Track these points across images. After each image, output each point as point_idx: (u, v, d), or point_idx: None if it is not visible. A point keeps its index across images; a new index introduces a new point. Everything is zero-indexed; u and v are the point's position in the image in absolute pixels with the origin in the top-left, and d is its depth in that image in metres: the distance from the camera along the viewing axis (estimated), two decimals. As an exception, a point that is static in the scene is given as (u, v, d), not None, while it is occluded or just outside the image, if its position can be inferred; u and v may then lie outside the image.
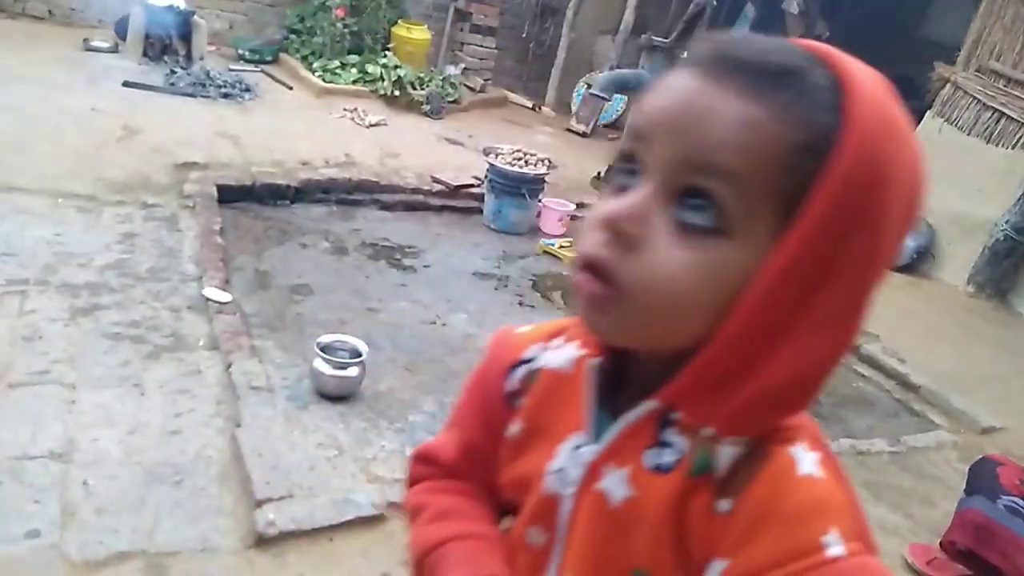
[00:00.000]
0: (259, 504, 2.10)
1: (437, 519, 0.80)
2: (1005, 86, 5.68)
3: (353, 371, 2.81)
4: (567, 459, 0.70)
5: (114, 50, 6.19)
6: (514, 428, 0.77)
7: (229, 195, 4.23)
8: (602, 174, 3.71)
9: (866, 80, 0.57)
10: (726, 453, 0.61)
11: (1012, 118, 5.58)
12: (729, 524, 0.59)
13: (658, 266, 0.57)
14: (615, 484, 0.66)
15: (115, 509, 2.04)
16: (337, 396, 2.79)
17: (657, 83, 0.61)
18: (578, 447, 0.70)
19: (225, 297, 3.11)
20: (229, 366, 2.68)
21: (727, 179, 0.55)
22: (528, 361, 0.78)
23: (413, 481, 0.88)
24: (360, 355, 2.86)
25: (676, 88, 0.59)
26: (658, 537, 0.63)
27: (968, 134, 5.79)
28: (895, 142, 0.57)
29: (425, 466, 0.87)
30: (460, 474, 0.84)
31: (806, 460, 0.60)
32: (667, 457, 0.63)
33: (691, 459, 0.62)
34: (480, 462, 0.82)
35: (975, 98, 5.78)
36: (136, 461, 2.22)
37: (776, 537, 0.57)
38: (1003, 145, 5.63)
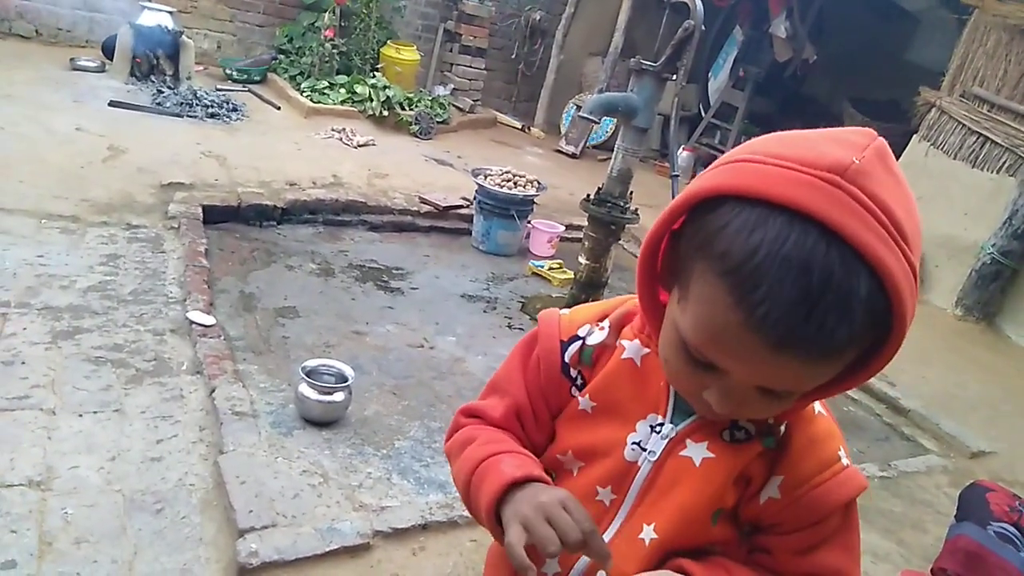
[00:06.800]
0: (241, 533, 2.05)
1: (490, 443, 0.93)
2: (989, 111, 5.73)
3: (339, 396, 2.77)
4: (646, 434, 0.89)
5: (101, 69, 6.16)
6: (584, 404, 0.94)
7: (215, 216, 4.19)
8: (591, 196, 3.70)
9: (898, 274, 0.68)
10: (780, 427, 0.88)
11: (996, 143, 5.63)
12: (777, 453, 0.87)
13: (759, 413, 0.82)
14: (696, 451, 0.87)
15: (94, 539, 1.99)
16: (322, 422, 2.75)
17: (721, 329, 0.72)
18: (654, 426, 0.89)
19: (209, 320, 3.07)
20: (212, 391, 2.64)
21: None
22: (582, 338, 0.95)
23: (459, 429, 1.01)
24: (346, 380, 2.82)
25: (751, 351, 0.71)
26: (733, 482, 0.87)
27: (954, 158, 5.84)
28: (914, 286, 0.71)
29: (472, 419, 1.01)
30: (504, 431, 0.98)
31: (817, 405, 0.90)
32: (739, 434, 0.88)
33: (760, 437, 0.87)
34: (527, 422, 0.98)
35: (960, 122, 5.83)
36: (116, 489, 2.17)
37: (812, 454, 0.87)
38: (988, 169, 5.68)
